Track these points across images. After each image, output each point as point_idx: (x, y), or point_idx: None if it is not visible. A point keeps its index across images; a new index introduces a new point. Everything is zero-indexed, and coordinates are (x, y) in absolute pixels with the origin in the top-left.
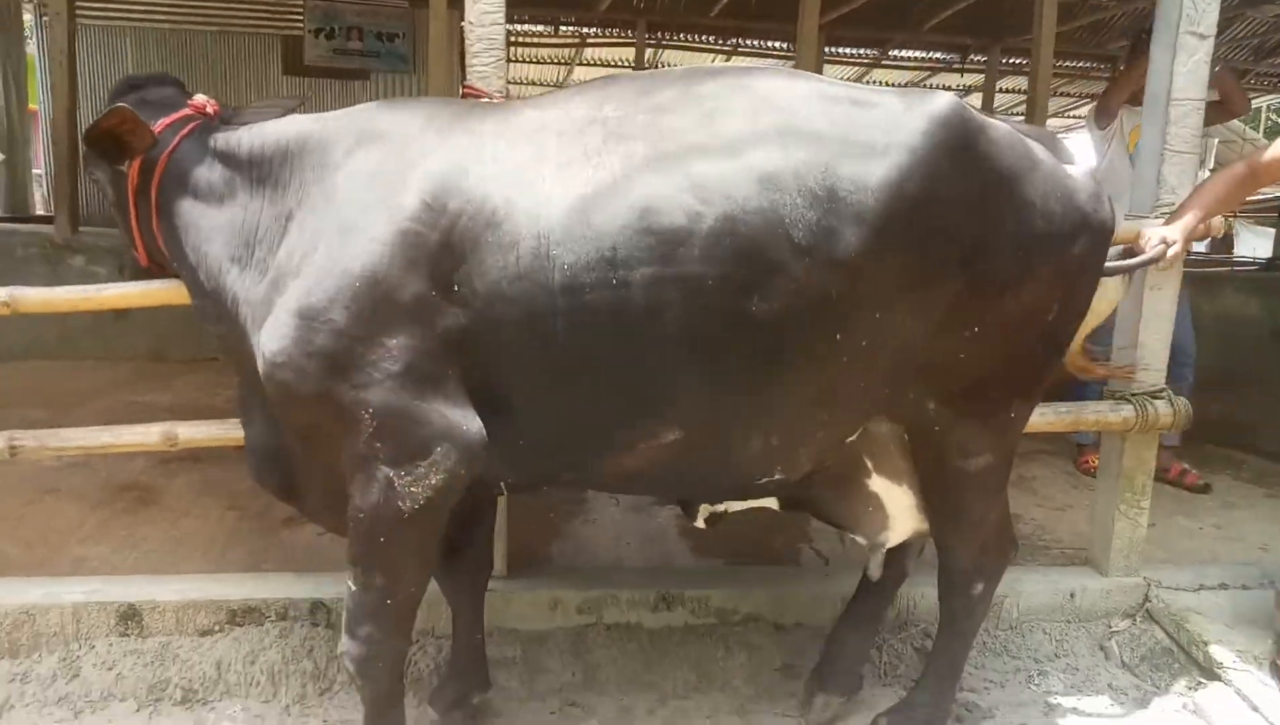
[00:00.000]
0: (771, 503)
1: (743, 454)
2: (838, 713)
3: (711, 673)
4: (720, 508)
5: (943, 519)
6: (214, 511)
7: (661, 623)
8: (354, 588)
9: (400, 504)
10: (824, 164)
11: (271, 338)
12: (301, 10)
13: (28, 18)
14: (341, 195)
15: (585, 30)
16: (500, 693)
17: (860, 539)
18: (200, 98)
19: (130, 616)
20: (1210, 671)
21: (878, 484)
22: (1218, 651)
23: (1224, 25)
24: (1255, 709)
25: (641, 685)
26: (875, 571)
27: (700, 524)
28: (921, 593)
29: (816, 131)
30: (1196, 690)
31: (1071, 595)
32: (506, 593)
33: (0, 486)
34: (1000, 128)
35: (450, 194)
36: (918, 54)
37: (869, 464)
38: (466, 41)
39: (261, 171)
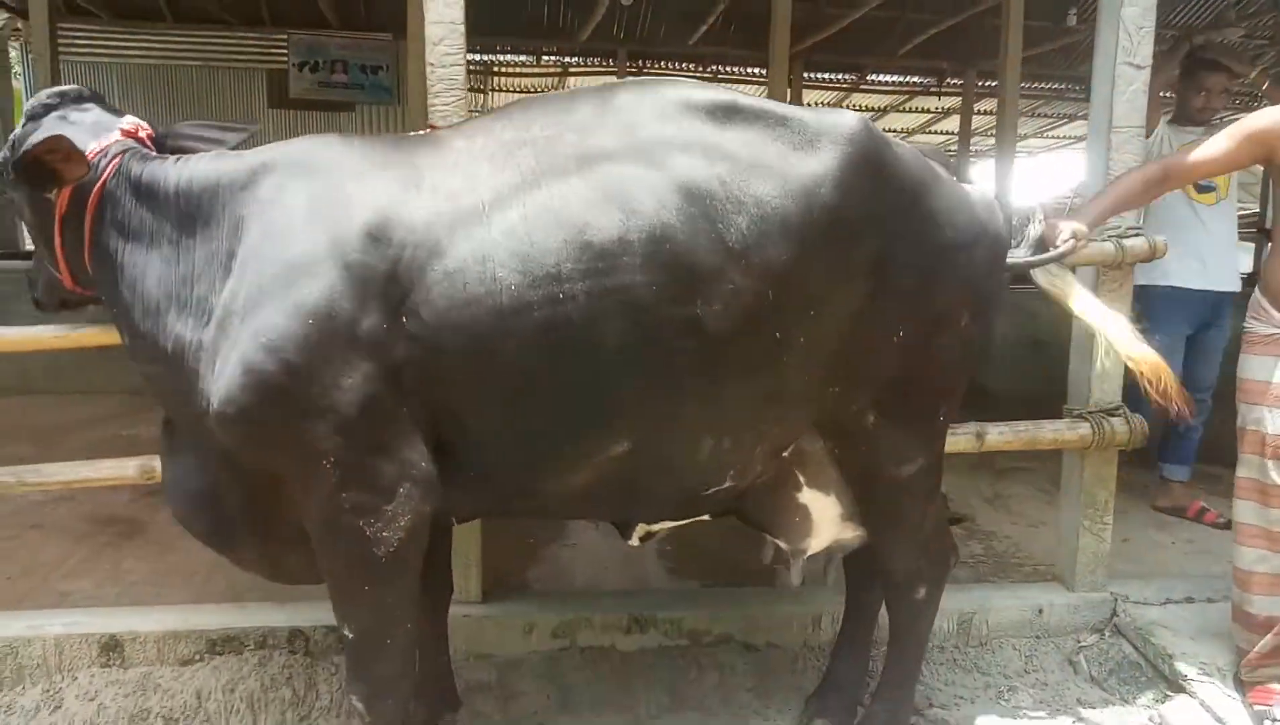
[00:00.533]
0: (704, 516)
1: (693, 460)
2: None
3: (684, 694)
4: (656, 527)
5: (881, 528)
6: (197, 543)
7: (635, 645)
8: (350, 636)
9: (375, 551)
10: (746, 169)
11: (223, 384)
12: (285, 44)
13: (14, 53)
14: (284, 231)
15: (567, 60)
16: (476, 718)
17: (782, 544)
18: (130, 121)
19: (112, 647)
20: (1176, 684)
21: (807, 495)
22: (1183, 664)
23: None
24: (1219, 720)
25: (615, 707)
26: (797, 578)
27: (634, 542)
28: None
29: (736, 138)
30: (1162, 703)
31: (1040, 611)
32: (481, 618)
33: None
34: (904, 146)
35: (394, 226)
36: (895, 78)
37: (800, 477)
38: (428, 82)
39: (191, 207)
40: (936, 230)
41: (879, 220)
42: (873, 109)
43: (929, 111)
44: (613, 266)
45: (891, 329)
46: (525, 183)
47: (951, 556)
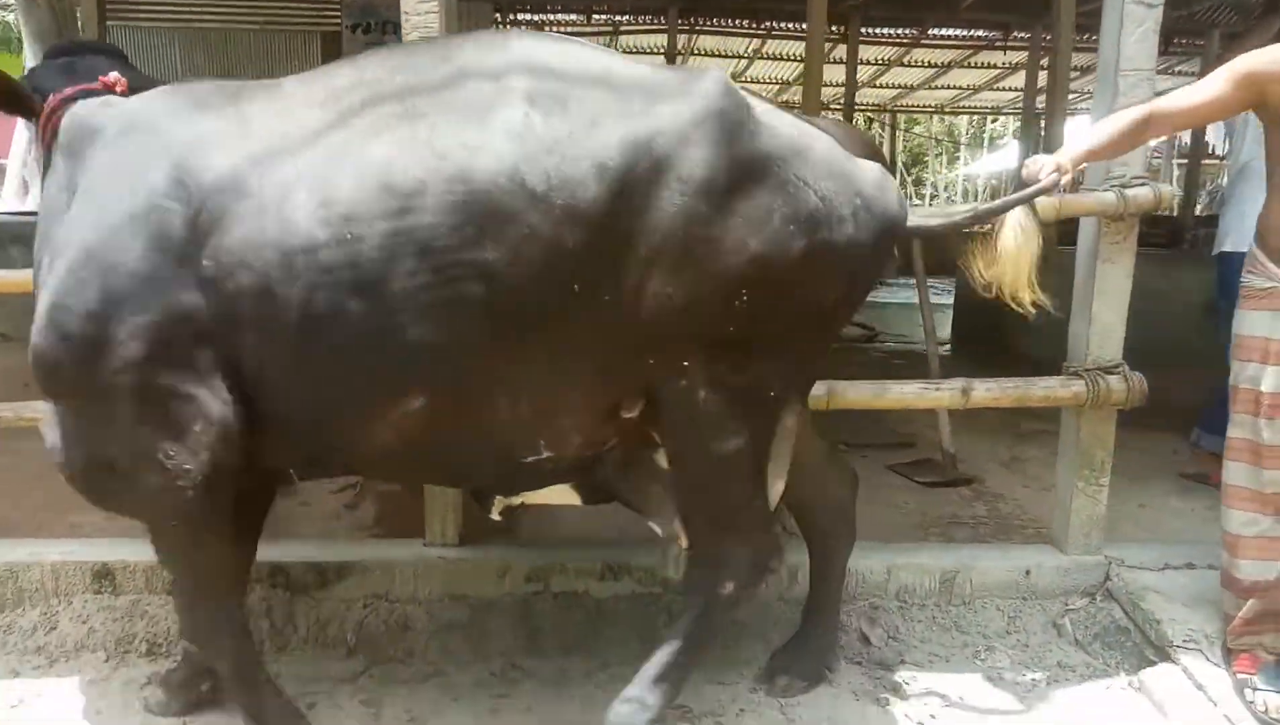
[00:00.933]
0: (573, 497)
1: (494, 423)
2: (799, 692)
3: (654, 641)
4: (516, 500)
5: (693, 504)
6: None
7: (608, 592)
8: (167, 572)
9: (178, 484)
10: (571, 119)
11: (35, 331)
12: (339, 6)
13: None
14: (100, 179)
15: (618, 18)
16: (447, 656)
17: (656, 528)
18: (114, 76)
19: (104, 575)
20: (1162, 651)
21: (665, 459)
22: (1170, 630)
23: None
24: (1200, 688)
25: (583, 652)
26: (673, 570)
27: (495, 516)
28: (869, 566)
29: (568, 87)
30: (1145, 669)
31: (1027, 572)
32: (457, 560)
33: (16, 460)
34: (771, 110)
35: (205, 170)
36: (958, 32)
37: (656, 437)
38: (403, 31)
39: (66, 149)
40: (803, 197)
41: (722, 182)
42: (935, 65)
43: (995, 67)
44: (406, 208)
45: (732, 294)
46: (340, 123)
47: (773, 557)
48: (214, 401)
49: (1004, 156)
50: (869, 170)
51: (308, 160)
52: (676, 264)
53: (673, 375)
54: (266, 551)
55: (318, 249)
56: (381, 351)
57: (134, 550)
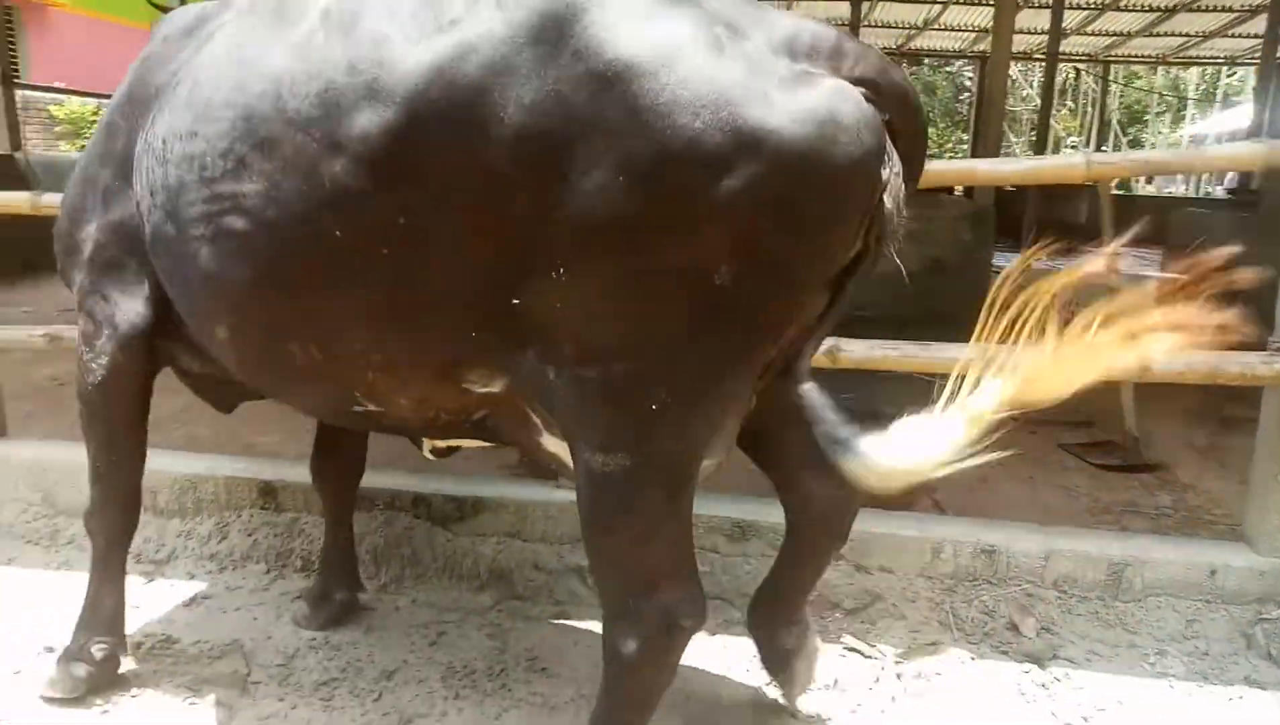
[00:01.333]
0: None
1: (286, 365)
2: None
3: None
4: (441, 443)
5: (584, 533)
6: None
7: (738, 550)
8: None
9: (85, 377)
10: (359, 32)
11: None
12: None
13: None
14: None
15: None
16: (571, 597)
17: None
18: None
19: (268, 493)
20: None
21: (552, 444)
22: None
23: None
24: None
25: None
26: None
27: (428, 454)
28: (1023, 549)
29: (381, 6)
30: None
31: (1212, 572)
32: (558, 504)
33: None
34: (642, 4)
35: (144, 85)
36: None
37: (537, 421)
38: None
39: None
40: (646, 135)
41: (523, 118)
42: (1156, 8)
43: (1229, 10)
44: (195, 128)
45: (545, 265)
46: (213, 39)
47: (685, 615)
48: (126, 310)
49: (1240, 115)
50: (801, 96)
51: (181, 77)
52: (468, 221)
53: (515, 356)
54: (411, 481)
55: (151, 169)
56: (188, 274)
57: (295, 471)
